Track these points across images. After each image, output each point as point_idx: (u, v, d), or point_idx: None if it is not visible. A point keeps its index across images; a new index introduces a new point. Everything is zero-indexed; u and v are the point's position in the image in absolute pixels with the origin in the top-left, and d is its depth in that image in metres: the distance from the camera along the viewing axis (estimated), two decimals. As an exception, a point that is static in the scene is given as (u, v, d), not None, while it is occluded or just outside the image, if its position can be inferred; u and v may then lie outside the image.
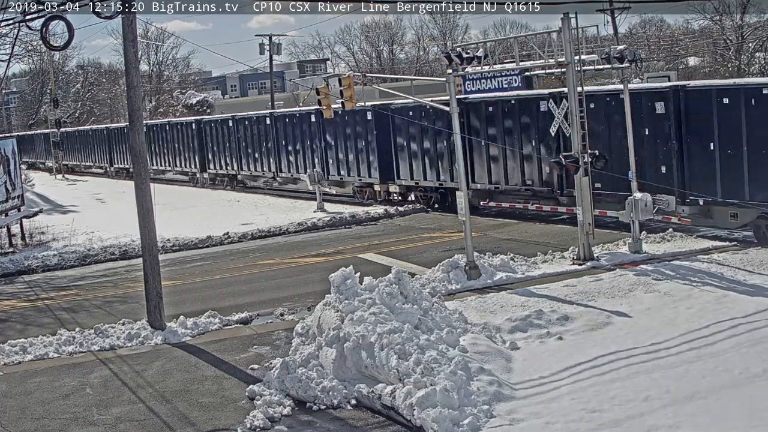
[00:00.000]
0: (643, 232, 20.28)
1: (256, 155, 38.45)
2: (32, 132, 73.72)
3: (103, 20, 16.65)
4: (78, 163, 61.97)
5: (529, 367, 12.64)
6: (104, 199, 42.67)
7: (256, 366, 13.96)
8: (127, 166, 49.51)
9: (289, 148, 35.85)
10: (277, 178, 37.90)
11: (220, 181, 42.52)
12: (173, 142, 46.00)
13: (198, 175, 44.47)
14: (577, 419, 10.62)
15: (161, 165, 47.50)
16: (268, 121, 37.44)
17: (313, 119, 34.06)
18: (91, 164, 59.38)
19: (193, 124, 44.23)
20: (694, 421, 10.21)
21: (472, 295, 17.10)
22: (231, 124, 40.41)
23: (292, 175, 36.28)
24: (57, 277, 23.54)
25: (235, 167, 40.55)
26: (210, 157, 42.72)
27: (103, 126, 61.35)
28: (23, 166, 46.47)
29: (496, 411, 11.05)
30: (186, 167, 45.36)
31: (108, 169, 55.88)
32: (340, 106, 21.41)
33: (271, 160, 37.31)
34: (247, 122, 39.05)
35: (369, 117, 30.99)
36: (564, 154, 19.60)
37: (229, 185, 41.67)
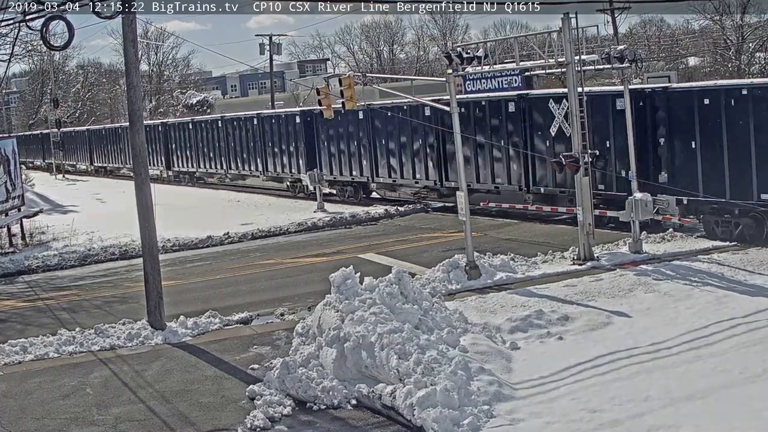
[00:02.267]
0: (643, 232, 20.28)
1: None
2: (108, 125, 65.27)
3: (103, 20, 16.72)
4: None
5: (529, 367, 12.63)
6: (104, 199, 42.66)
7: (256, 366, 13.96)
8: (228, 170, 42.54)
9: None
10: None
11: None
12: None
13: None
14: (578, 419, 10.62)
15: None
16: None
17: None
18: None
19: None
20: (694, 421, 10.21)
21: (473, 295, 17.10)
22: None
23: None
24: (57, 277, 23.54)
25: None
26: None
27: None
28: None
29: (497, 411, 11.05)
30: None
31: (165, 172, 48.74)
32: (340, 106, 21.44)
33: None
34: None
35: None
36: (564, 153, 19.60)
37: None
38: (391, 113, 30.01)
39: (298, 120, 35.64)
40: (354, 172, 32.93)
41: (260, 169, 38.73)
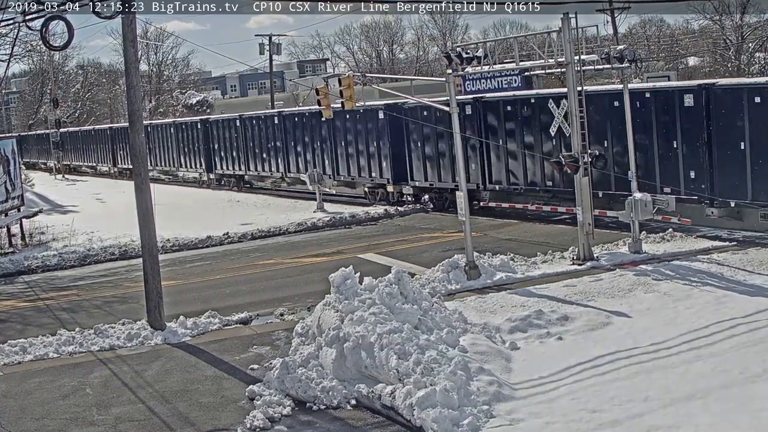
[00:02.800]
0: (643, 232, 20.28)
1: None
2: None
3: (103, 20, 16.70)
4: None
5: (528, 367, 12.64)
6: (104, 198, 42.67)
7: (256, 366, 13.97)
8: (286, 173, 37.97)
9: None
10: None
11: None
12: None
13: None
14: (577, 419, 10.62)
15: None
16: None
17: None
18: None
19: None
20: (694, 421, 10.21)
21: (472, 295, 17.10)
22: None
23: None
24: (57, 278, 23.54)
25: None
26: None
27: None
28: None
29: (496, 411, 11.05)
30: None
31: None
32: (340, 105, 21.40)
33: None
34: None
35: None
36: (564, 153, 19.60)
37: None
38: (510, 107, 25.68)
39: (381, 116, 30.66)
40: (457, 178, 27.38)
41: (328, 172, 33.61)
